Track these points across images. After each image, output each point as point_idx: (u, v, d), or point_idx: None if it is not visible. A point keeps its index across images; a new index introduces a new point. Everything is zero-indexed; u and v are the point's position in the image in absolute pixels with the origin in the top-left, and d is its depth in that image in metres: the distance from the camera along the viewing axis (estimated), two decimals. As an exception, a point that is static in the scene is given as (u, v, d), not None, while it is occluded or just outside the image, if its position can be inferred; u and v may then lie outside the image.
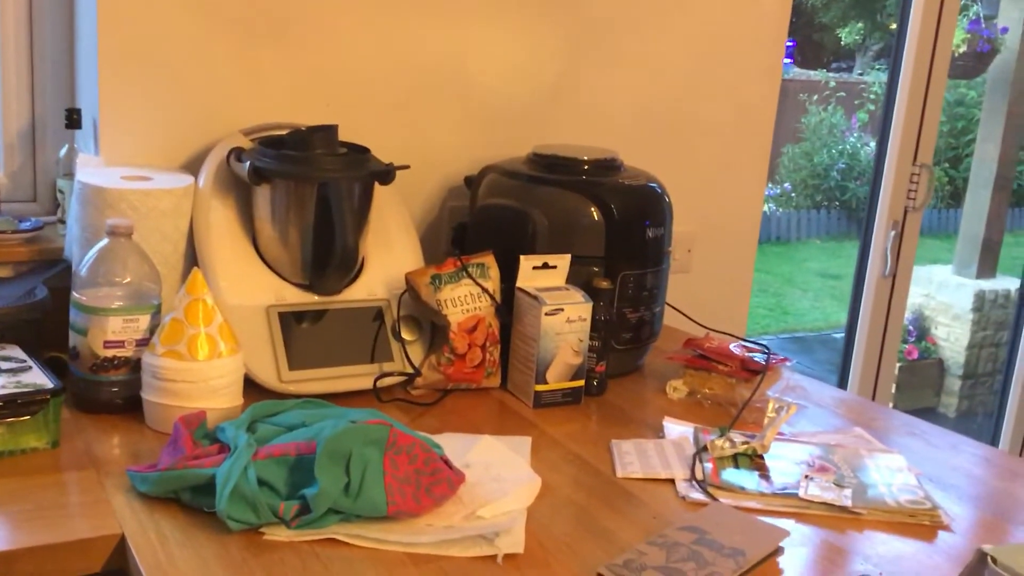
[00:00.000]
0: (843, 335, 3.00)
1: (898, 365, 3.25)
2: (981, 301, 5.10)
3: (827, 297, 7.16)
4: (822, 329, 6.60)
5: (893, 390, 3.00)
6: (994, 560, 0.90)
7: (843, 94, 8.15)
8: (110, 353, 1.27)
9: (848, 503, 1.19)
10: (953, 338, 5.20)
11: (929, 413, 5.04)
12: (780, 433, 1.37)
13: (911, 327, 5.24)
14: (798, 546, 1.10)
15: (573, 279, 1.49)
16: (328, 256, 1.41)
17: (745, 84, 2.06)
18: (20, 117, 1.62)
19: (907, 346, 5.14)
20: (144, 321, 1.28)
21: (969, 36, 4.69)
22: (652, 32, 1.92)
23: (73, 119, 1.54)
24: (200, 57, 1.54)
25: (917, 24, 2.59)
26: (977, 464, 1.38)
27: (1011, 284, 5.13)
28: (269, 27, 1.58)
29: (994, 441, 3.43)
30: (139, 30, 1.49)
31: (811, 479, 1.24)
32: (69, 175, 1.53)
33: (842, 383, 2.88)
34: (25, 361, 1.26)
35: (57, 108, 1.62)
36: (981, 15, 4.91)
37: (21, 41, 1.60)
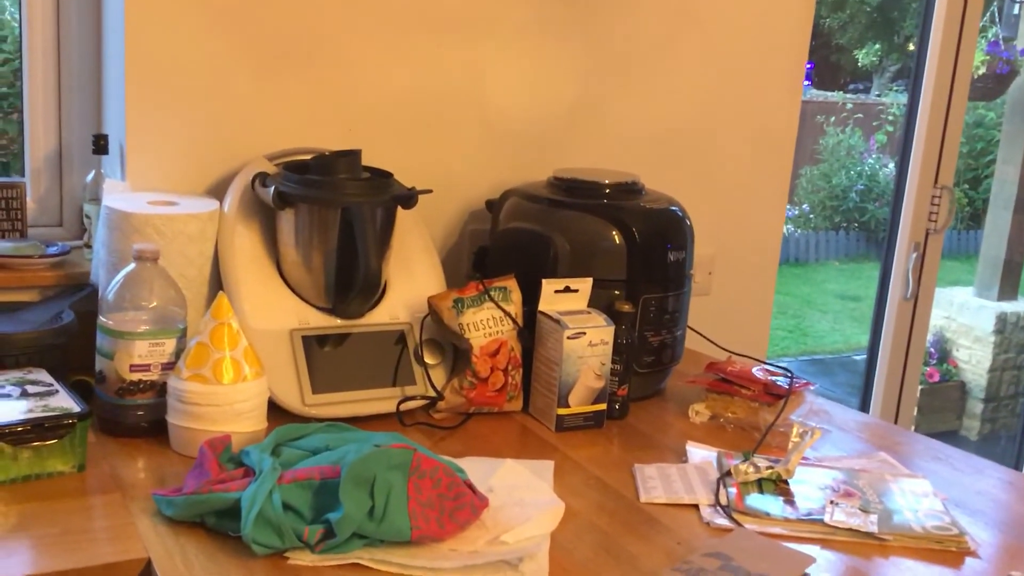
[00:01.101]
0: (863, 357, 2.99)
1: (920, 388, 3.22)
2: (1003, 323, 5.07)
3: (847, 319, 7.13)
4: (842, 351, 6.57)
5: (915, 413, 2.98)
6: (1024, 588, 0.90)
7: (860, 115, 8.15)
8: (136, 377, 1.28)
9: (874, 529, 1.18)
10: (975, 360, 5.16)
11: (951, 436, 5.00)
12: (804, 458, 1.36)
13: (932, 349, 5.20)
14: (824, 572, 1.10)
15: (595, 303, 1.49)
16: (351, 280, 1.41)
17: (765, 107, 2.06)
18: (47, 142, 1.64)
19: (928, 368, 5.11)
20: (170, 345, 1.29)
21: (988, 58, 4.69)
22: (672, 55, 1.93)
23: (100, 145, 1.56)
24: (225, 83, 1.56)
25: (937, 45, 2.59)
26: (1003, 489, 1.36)
27: (1033, 306, 5.10)
28: (293, 54, 1.60)
29: (1017, 464, 3.40)
30: (166, 57, 1.51)
31: (836, 504, 1.23)
32: (96, 200, 1.55)
33: (864, 406, 2.86)
34: (52, 385, 1.27)
35: (84, 134, 1.64)
36: (1000, 37, 4.91)
37: (49, 67, 1.62)
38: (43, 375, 1.30)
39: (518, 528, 1.11)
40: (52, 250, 1.55)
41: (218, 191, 1.54)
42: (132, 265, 1.30)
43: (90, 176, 1.59)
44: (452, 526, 1.09)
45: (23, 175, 1.66)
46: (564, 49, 1.82)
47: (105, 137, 1.56)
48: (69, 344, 1.38)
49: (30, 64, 1.61)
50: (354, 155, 1.47)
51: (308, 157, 1.51)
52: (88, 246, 1.57)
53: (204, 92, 1.55)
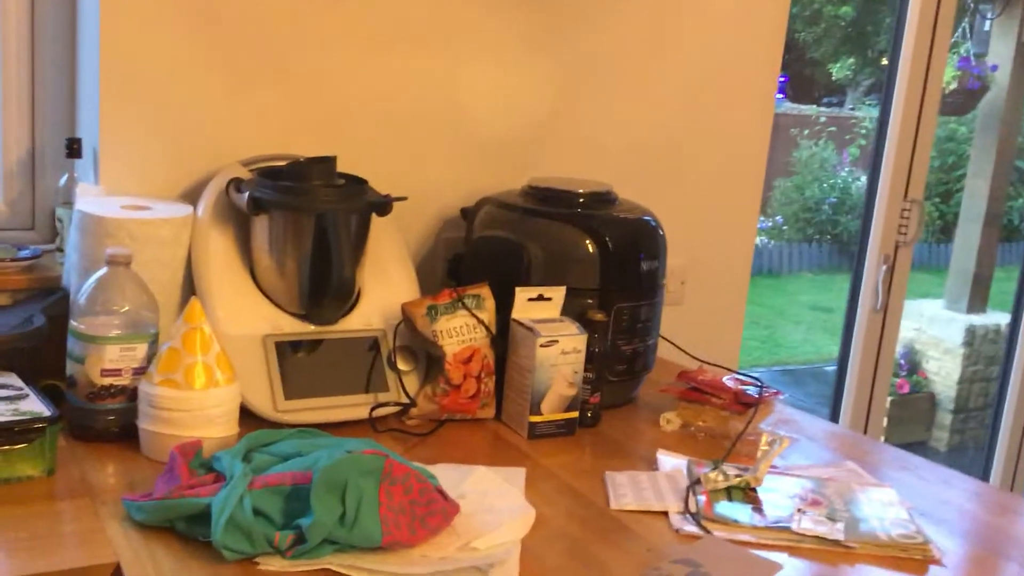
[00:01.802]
0: (834, 368, 3.01)
1: (889, 399, 3.25)
2: (972, 336, 5.12)
3: (819, 330, 7.19)
4: (813, 362, 6.62)
5: (884, 424, 3.01)
6: (985, 594, 0.91)
7: (834, 129, 8.23)
8: (107, 381, 1.27)
9: (841, 537, 1.20)
10: (944, 372, 5.22)
11: (920, 447, 5.05)
12: (773, 466, 1.37)
13: (902, 361, 5.25)
14: (791, 579, 1.11)
15: (568, 311, 1.50)
16: (325, 286, 1.42)
17: (738, 118, 2.09)
18: (20, 145, 1.64)
19: (898, 380, 5.16)
20: (141, 350, 1.29)
21: (960, 73, 4.75)
22: (646, 66, 1.95)
23: (73, 148, 1.55)
24: (200, 89, 1.56)
25: (908, 60, 2.63)
26: (968, 499, 1.38)
27: (1002, 319, 5.15)
28: (268, 61, 1.60)
29: (985, 475, 3.44)
30: (140, 62, 1.51)
31: (804, 512, 1.25)
32: (68, 204, 1.54)
33: (834, 416, 2.89)
34: (22, 389, 1.26)
35: (57, 137, 1.63)
36: (971, 52, 4.97)
37: (23, 70, 1.61)
38: (13, 379, 1.29)
39: (489, 534, 1.11)
40: (24, 253, 1.54)
41: (192, 196, 1.54)
42: (104, 269, 1.30)
43: (63, 180, 1.58)
44: (423, 532, 1.09)
45: (-5, 178, 1.65)
46: (539, 59, 1.84)
47: (78, 141, 1.56)
48: (40, 348, 1.38)
49: (3, 66, 1.60)
50: (329, 162, 1.47)
51: (283, 163, 1.51)
52: (60, 250, 1.57)
53: (178, 97, 1.55)
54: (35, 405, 1.21)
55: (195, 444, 1.19)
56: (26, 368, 1.34)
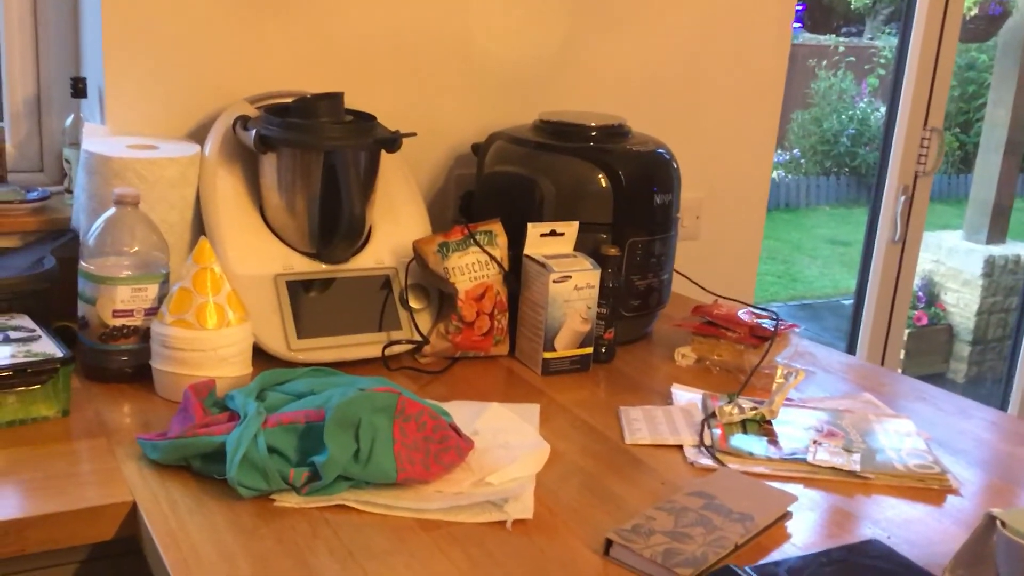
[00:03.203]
0: (852, 302, 2.99)
1: (907, 331, 3.23)
2: (991, 267, 5.08)
3: (836, 264, 7.14)
4: (831, 296, 6.59)
5: (902, 356, 3.00)
6: (1003, 523, 0.90)
7: (853, 59, 8.08)
8: (119, 322, 1.27)
9: (857, 468, 1.19)
10: (963, 304, 5.18)
11: (938, 379, 5.04)
12: (788, 399, 1.37)
13: (920, 293, 5.22)
14: (806, 511, 1.11)
15: (581, 246, 1.49)
16: (335, 224, 1.40)
17: (754, 49, 2.04)
18: (25, 86, 1.62)
19: (916, 312, 5.13)
20: (152, 290, 1.28)
21: (981, -2, 4.64)
22: (660, -4, 1.91)
23: (79, 88, 1.53)
24: (205, 25, 1.53)
25: (928, -14, 2.56)
26: (986, 429, 1.37)
27: (1021, 249, 5.10)
28: (273, -6, 1.57)
29: (1003, 407, 3.43)
30: (143, -2, 1.48)
31: (819, 444, 1.24)
32: (75, 144, 1.53)
33: (851, 349, 2.88)
34: (34, 330, 1.26)
35: (62, 77, 1.61)
36: (993, -23, 4.85)
37: (25, 9, 1.59)
38: (25, 320, 1.30)
39: (503, 470, 1.11)
40: (32, 196, 1.54)
41: (199, 135, 1.52)
42: (113, 210, 1.29)
43: (69, 120, 1.57)
44: (437, 468, 1.09)
45: (1, 120, 1.64)
46: (550, -11, 1.79)
47: (83, 80, 1.54)
48: (51, 290, 1.38)
49: (5, 7, 1.58)
50: (336, 98, 1.45)
51: (289, 100, 1.49)
52: (69, 191, 1.56)
53: (183, 34, 1.52)
54: (48, 346, 1.21)
55: (208, 383, 1.19)
56: (37, 310, 1.34)
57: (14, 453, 1.11)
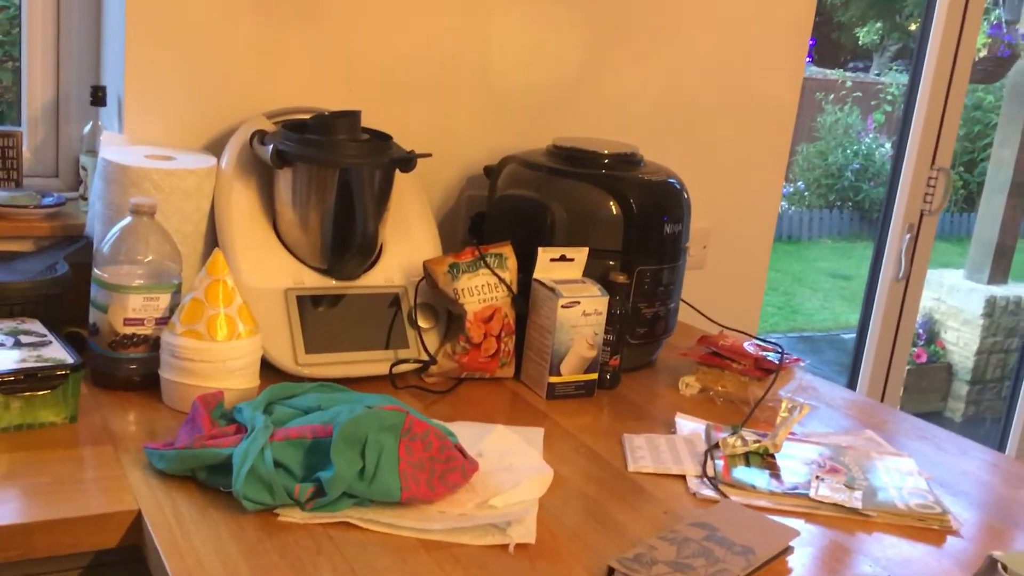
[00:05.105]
0: (851, 336, 3.00)
1: (906, 368, 3.24)
2: (992, 307, 5.08)
3: (837, 298, 7.15)
4: (831, 329, 6.59)
5: (901, 393, 3.01)
6: (1004, 567, 0.91)
7: (859, 94, 8.12)
8: (130, 330, 1.28)
9: (858, 505, 1.19)
10: (962, 343, 5.19)
11: (935, 417, 5.04)
12: (792, 433, 1.37)
13: (920, 330, 5.23)
14: (807, 546, 1.11)
15: (590, 272, 1.50)
16: (348, 241, 1.41)
17: (767, 82, 2.06)
18: (44, 92, 1.63)
19: (916, 349, 5.14)
20: (164, 300, 1.29)
21: (990, 40, 4.67)
22: (675, 26, 1.92)
23: (98, 96, 1.55)
24: (226, 39, 1.55)
25: (940, 26, 2.58)
26: (986, 470, 1.38)
27: (1023, 291, 5.11)
28: (295, 11, 1.58)
29: (1001, 447, 3.43)
30: (166, 10, 1.50)
31: (822, 480, 1.25)
32: (92, 152, 1.54)
33: (851, 384, 2.88)
34: (45, 336, 1.27)
35: (82, 84, 1.63)
36: (1003, 20, 4.89)
37: (48, 16, 1.61)
38: (36, 326, 1.30)
39: (507, 493, 1.12)
40: (47, 201, 1.55)
41: (215, 147, 1.53)
42: (128, 219, 1.30)
43: (87, 127, 1.58)
44: (442, 488, 1.10)
45: (19, 124, 1.65)
46: (567, 17, 1.81)
47: (103, 89, 1.55)
48: (62, 296, 1.38)
49: (29, 12, 1.60)
50: (354, 116, 1.46)
51: (307, 117, 1.50)
52: (84, 198, 1.57)
53: (205, 47, 1.54)
54: (58, 352, 1.22)
55: (217, 395, 1.20)
56: (49, 315, 1.34)
57: (21, 457, 1.11)
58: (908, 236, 2.71)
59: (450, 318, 1.50)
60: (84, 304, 1.31)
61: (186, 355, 1.24)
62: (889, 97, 8.02)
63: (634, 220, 1.53)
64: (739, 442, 1.30)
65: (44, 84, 1.63)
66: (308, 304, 1.42)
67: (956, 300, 5.22)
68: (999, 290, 5.08)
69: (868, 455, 1.34)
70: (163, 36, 1.51)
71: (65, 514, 1.01)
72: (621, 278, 1.49)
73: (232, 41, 1.55)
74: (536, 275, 1.47)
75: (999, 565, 0.91)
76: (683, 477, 1.24)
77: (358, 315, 1.44)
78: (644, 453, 1.29)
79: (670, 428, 1.39)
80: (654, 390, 1.54)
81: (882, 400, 2.82)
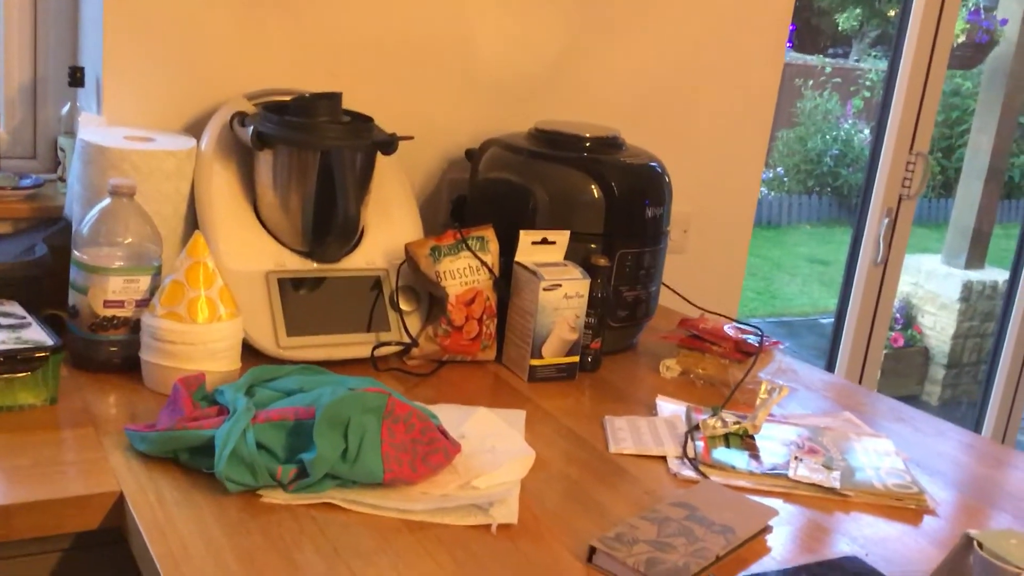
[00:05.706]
0: (829, 320, 3.03)
1: (883, 352, 3.27)
2: (969, 291, 5.13)
3: (815, 282, 7.20)
4: (809, 314, 6.63)
5: (878, 377, 3.03)
6: (980, 545, 0.92)
7: (839, 80, 8.15)
8: (110, 313, 1.27)
9: (836, 485, 1.21)
10: (939, 327, 5.24)
11: (912, 401, 5.08)
12: (771, 414, 1.38)
13: (898, 315, 5.27)
14: (786, 525, 1.12)
15: (571, 255, 1.50)
16: (329, 224, 1.41)
17: (748, 67, 2.06)
18: (22, 73, 1.62)
19: (893, 333, 5.18)
20: (144, 282, 1.28)
21: (968, 26, 4.70)
22: (657, 10, 1.92)
23: (76, 77, 1.53)
24: (205, 19, 1.54)
25: (919, 12, 2.60)
26: (962, 451, 1.40)
27: (999, 275, 5.16)
28: (275, -8, 1.58)
29: (977, 431, 3.47)
30: (145, -10, 1.49)
31: (800, 460, 1.26)
32: (71, 133, 1.53)
33: (829, 368, 2.90)
34: (25, 318, 1.26)
35: (59, 65, 1.61)
36: (981, 6, 4.91)
37: (25, -4, 1.59)
38: (15, 307, 1.29)
39: (489, 474, 1.12)
40: (25, 182, 1.53)
41: (195, 129, 1.52)
42: (107, 200, 1.29)
43: (65, 109, 1.57)
44: (424, 470, 1.10)
45: (-4, 105, 1.63)
46: (550, 0, 1.81)
47: (81, 69, 1.54)
48: (41, 278, 1.37)
49: (5, -8, 1.58)
50: (334, 98, 1.46)
51: (287, 98, 1.50)
52: (62, 179, 1.56)
53: (184, 27, 1.53)
54: (37, 334, 1.21)
55: (198, 377, 1.19)
56: (28, 297, 1.33)
57: (0, 440, 1.10)
58: (886, 220, 2.73)
59: (432, 301, 1.50)
60: (64, 286, 1.31)
61: (167, 337, 1.23)
62: (868, 83, 8.06)
63: (615, 203, 1.53)
64: (719, 423, 1.31)
65: (21, 64, 1.61)
66: (289, 287, 1.42)
67: (933, 285, 5.26)
68: (976, 275, 5.13)
69: (846, 436, 1.36)
70: (142, 16, 1.49)
71: (46, 496, 1.01)
72: (602, 261, 1.50)
73: (212, 21, 1.54)
74: (518, 258, 1.48)
75: (975, 543, 0.93)
76: (663, 458, 1.25)
77: (340, 298, 1.44)
78: (625, 435, 1.30)
79: (651, 410, 1.40)
80: (635, 373, 1.55)
81: (860, 383, 2.85)
